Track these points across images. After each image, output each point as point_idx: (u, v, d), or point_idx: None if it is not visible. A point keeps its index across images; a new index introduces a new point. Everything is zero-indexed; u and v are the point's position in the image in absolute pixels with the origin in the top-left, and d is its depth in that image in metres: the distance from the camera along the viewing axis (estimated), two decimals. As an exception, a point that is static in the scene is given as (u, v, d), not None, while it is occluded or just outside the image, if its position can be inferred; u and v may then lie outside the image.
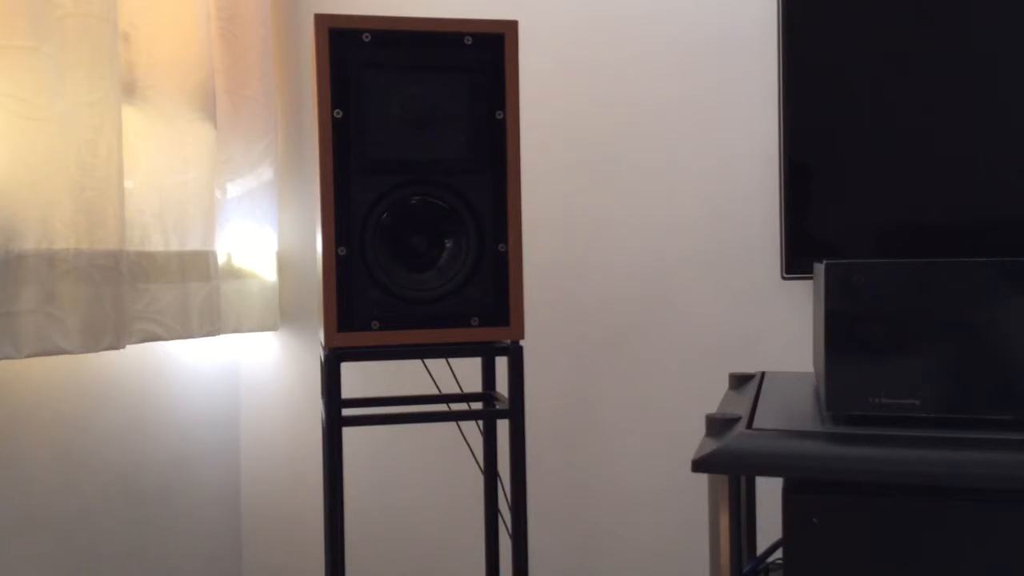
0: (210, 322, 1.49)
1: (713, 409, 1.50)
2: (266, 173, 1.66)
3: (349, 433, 1.69)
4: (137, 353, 1.48)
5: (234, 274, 1.61)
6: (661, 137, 1.51)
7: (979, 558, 0.80)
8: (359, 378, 1.68)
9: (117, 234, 1.26)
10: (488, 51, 1.15)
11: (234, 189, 1.61)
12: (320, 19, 1.11)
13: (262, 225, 1.67)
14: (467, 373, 1.56)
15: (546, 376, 1.58)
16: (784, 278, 1.33)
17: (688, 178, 1.50)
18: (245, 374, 1.76)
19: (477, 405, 1.50)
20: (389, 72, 1.13)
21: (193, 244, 1.46)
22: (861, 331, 0.86)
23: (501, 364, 1.50)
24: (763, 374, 1.27)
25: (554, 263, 1.57)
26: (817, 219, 1.30)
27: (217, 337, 1.63)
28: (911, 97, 1.26)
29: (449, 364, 1.53)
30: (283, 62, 1.73)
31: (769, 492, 1.41)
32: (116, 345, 1.25)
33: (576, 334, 1.56)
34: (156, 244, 1.40)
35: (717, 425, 0.89)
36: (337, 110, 1.12)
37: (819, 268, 0.93)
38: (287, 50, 1.73)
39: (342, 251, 1.12)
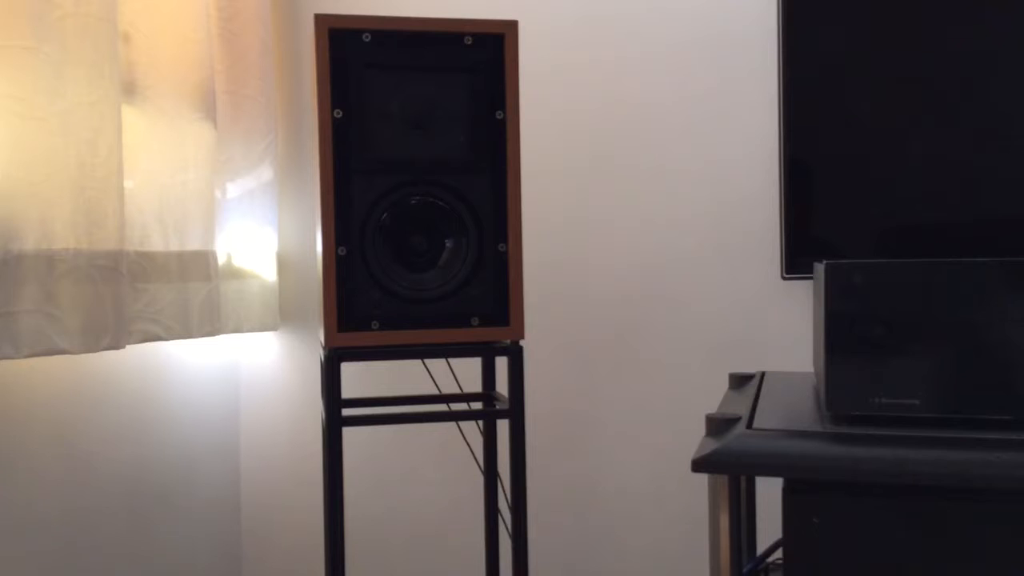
0: (210, 322, 1.49)
1: (713, 409, 1.50)
2: (266, 173, 1.66)
3: (349, 433, 1.69)
4: (137, 353, 1.48)
5: (234, 274, 1.61)
6: (661, 137, 1.51)
7: (979, 558, 0.80)
8: (359, 378, 1.68)
9: (117, 234, 1.26)
10: (488, 51, 1.15)
11: (234, 189, 1.61)
12: (320, 19, 1.11)
13: (262, 225, 1.66)
14: (467, 373, 1.56)
15: (546, 376, 1.58)
16: (784, 278, 1.33)
17: (688, 178, 1.50)
18: (245, 374, 1.76)
19: (477, 405, 1.50)
20: (389, 72, 1.13)
21: (193, 244, 1.46)
22: (861, 331, 0.86)
23: (501, 364, 1.50)
24: (763, 374, 1.27)
25: (554, 263, 1.57)
26: (817, 219, 1.30)
27: (217, 337, 1.63)
28: (911, 97, 1.26)
29: (449, 364, 1.53)
30: (283, 62, 1.73)
31: (769, 492, 1.41)
32: (116, 345, 1.25)
33: (576, 334, 1.56)
34: (156, 244, 1.40)
35: (717, 425, 0.89)
36: (337, 110, 1.12)
37: (819, 268, 0.93)
38: (287, 50, 1.73)
39: (342, 251, 1.12)
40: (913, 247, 1.26)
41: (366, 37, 1.12)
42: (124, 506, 1.45)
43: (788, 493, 0.84)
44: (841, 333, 0.87)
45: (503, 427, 1.52)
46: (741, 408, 0.99)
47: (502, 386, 1.51)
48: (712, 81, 1.49)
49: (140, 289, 1.35)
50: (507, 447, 1.54)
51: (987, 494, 0.79)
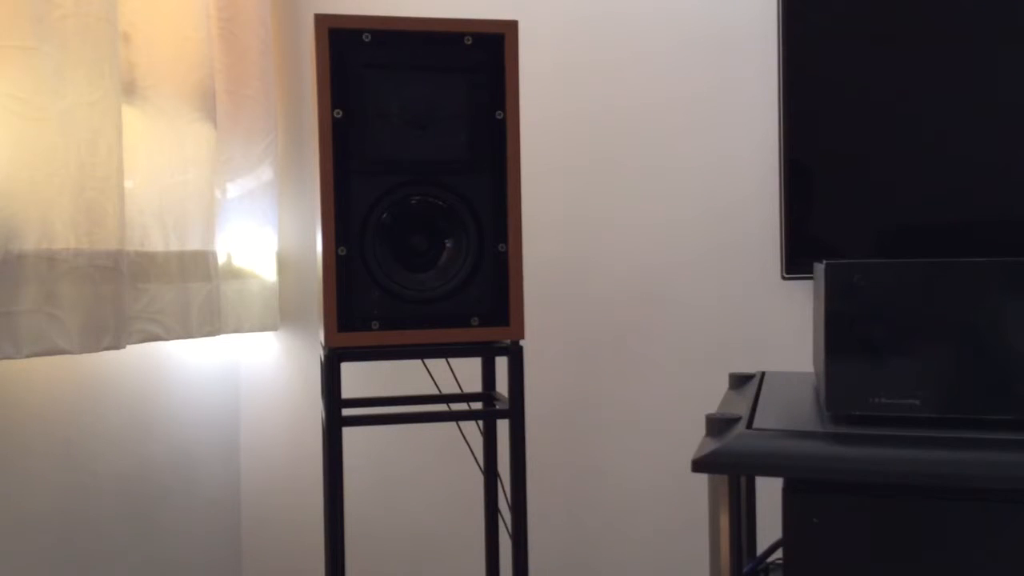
0: (210, 322, 1.49)
1: (713, 409, 1.50)
2: (266, 173, 1.66)
3: (349, 433, 1.69)
4: (137, 353, 1.48)
5: (234, 274, 1.61)
6: (661, 137, 1.51)
7: (979, 558, 0.80)
8: (359, 378, 1.68)
9: (117, 234, 1.26)
10: (488, 51, 1.15)
11: (234, 189, 1.61)
12: (320, 19, 1.11)
13: (262, 225, 1.66)
14: (467, 373, 1.56)
15: (546, 376, 1.58)
16: (784, 278, 1.33)
17: (688, 178, 1.50)
18: (245, 374, 1.76)
19: (477, 405, 1.50)
20: (389, 72, 1.13)
21: (193, 244, 1.46)
22: (861, 331, 0.86)
23: (501, 364, 1.50)
24: (763, 374, 1.27)
25: (554, 263, 1.57)
26: (817, 219, 1.30)
27: (217, 337, 1.63)
28: (911, 97, 1.26)
29: (449, 364, 1.53)
30: (283, 62, 1.73)
31: (769, 492, 1.41)
32: (116, 345, 1.25)
33: (576, 334, 1.56)
34: (156, 244, 1.40)
35: (717, 425, 0.89)
36: (337, 110, 1.12)
37: (819, 268, 0.93)
38: (287, 50, 1.73)
39: (342, 251, 1.12)
40: (913, 247, 1.26)
41: (366, 37, 1.12)
42: (124, 506, 1.45)
43: (788, 493, 0.84)
44: (841, 333, 0.87)
45: (503, 427, 1.52)
46: (741, 408, 0.99)
47: (502, 386, 1.51)
48: (712, 81, 1.49)
49: (140, 289, 1.35)
50: (507, 447, 1.54)
51: (987, 494, 0.79)
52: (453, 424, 1.60)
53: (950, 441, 0.80)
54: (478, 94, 1.15)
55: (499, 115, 1.16)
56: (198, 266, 1.47)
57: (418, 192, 1.14)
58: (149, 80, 1.40)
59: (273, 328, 1.69)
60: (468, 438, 1.47)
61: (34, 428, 1.28)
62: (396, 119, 1.13)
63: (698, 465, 0.83)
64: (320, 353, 1.38)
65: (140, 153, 1.38)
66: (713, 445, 0.85)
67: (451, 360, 1.53)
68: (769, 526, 1.40)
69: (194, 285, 1.45)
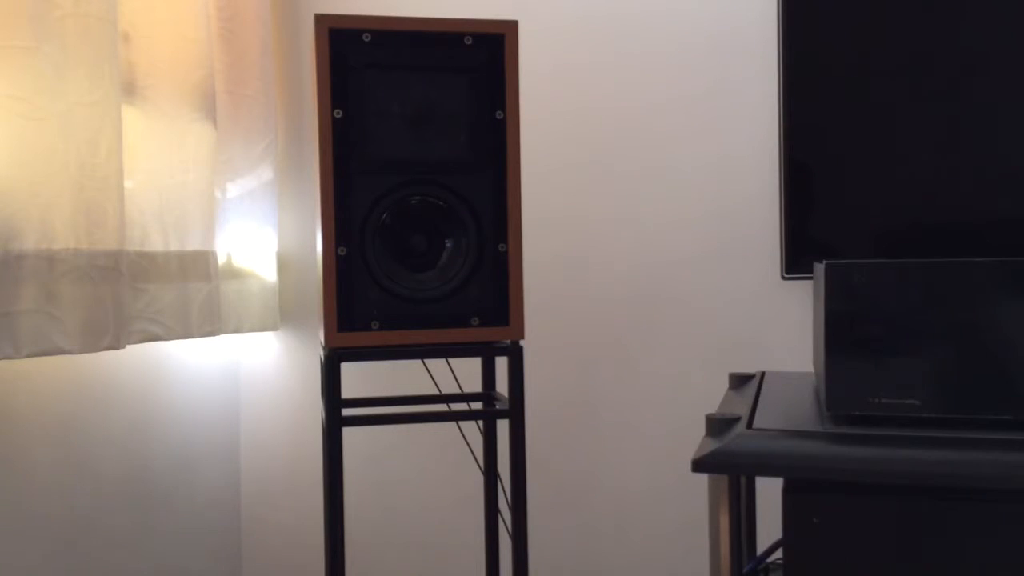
0: (210, 322, 1.49)
1: (713, 409, 1.50)
2: (266, 173, 1.66)
3: (349, 433, 1.69)
4: (137, 353, 1.48)
5: (234, 274, 1.61)
6: (661, 137, 1.51)
7: (979, 558, 0.80)
8: (359, 378, 1.68)
9: (117, 234, 1.26)
10: (488, 51, 1.15)
11: (234, 189, 1.61)
12: (320, 19, 1.11)
13: (262, 225, 1.66)
14: (467, 373, 1.56)
15: (546, 376, 1.58)
16: (784, 278, 1.33)
17: (688, 178, 1.50)
18: (245, 374, 1.76)
19: (477, 405, 1.50)
20: (389, 72, 1.13)
21: (193, 244, 1.46)
22: (861, 331, 0.86)
23: (501, 364, 1.50)
24: (763, 374, 1.27)
25: (554, 263, 1.57)
26: (817, 219, 1.30)
27: (217, 337, 1.63)
28: (911, 97, 1.26)
29: (449, 364, 1.53)
30: (283, 62, 1.73)
31: (769, 492, 1.41)
32: (116, 345, 1.25)
33: (576, 334, 1.56)
34: (156, 244, 1.40)
35: (717, 425, 0.89)
36: (337, 110, 1.12)
37: (819, 268, 0.93)
38: (287, 50, 1.73)
39: (342, 251, 1.12)
40: (913, 247, 1.26)
41: (366, 37, 1.12)
42: (124, 506, 1.45)
43: (788, 493, 0.84)
44: (841, 333, 0.87)
45: (503, 427, 1.52)
46: (741, 408, 0.99)
47: (502, 386, 1.51)
48: (712, 81, 1.49)
49: (140, 289, 1.35)
50: (507, 447, 1.54)
51: (987, 494, 0.79)
52: (453, 424, 1.60)
53: (950, 441, 0.80)
54: (478, 94, 1.15)
55: (499, 115, 1.16)
56: (198, 266, 1.47)
57: (418, 192, 1.14)
58: (149, 80, 1.40)
59: (273, 328, 1.69)
60: (468, 438, 1.47)
61: (34, 428, 1.28)
62: (396, 119, 1.13)
63: (698, 465, 0.83)
64: (320, 353, 1.38)
65: (140, 153, 1.38)
66: (713, 445, 0.85)
67: (451, 360, 1.53)
68: (769, 526, 1.40)
69: (194, 285, 1.45)
